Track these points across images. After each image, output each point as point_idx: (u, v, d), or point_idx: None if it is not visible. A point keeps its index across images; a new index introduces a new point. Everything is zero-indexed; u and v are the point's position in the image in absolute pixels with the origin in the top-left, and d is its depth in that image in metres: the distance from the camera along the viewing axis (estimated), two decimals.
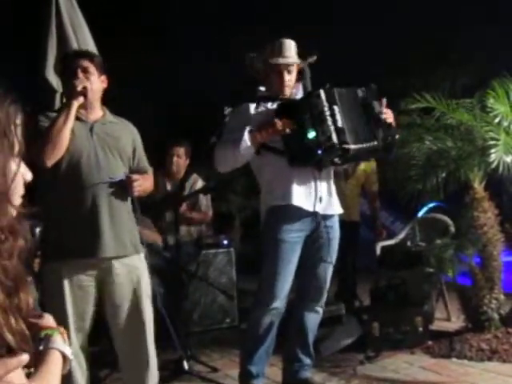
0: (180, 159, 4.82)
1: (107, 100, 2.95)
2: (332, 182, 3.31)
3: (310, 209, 3.17)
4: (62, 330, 1.14)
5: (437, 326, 4.60)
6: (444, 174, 4.12)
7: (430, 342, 4.11)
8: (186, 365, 3.68)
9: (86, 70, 2.76)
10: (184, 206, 4.72)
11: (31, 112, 2.62)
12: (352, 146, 3.06)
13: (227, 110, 3.34)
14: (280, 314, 3.25)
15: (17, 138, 1.01)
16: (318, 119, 3.03)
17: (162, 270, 4.07)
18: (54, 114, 2.74)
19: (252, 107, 3.21)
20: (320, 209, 3.21)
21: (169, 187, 4.82)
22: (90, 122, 2.80)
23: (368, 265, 5.40)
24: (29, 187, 1.07)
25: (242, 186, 8.48)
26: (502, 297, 4.15)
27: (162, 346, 3.19)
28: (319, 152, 3.02)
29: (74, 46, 3.55)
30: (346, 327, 4.37)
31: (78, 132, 2.73)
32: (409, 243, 5.24)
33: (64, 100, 3.04)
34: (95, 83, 2.78)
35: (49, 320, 1.14)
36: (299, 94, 3.35)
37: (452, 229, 5.03)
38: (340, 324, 4.48)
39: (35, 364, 1.04)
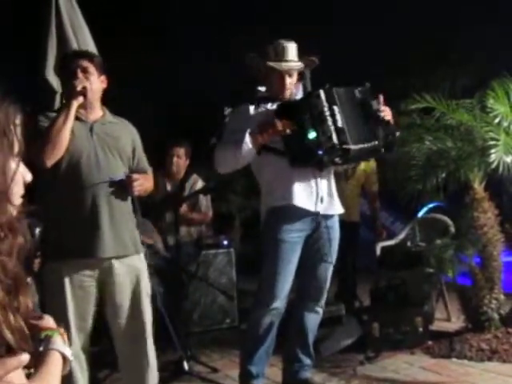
0: (180, 160, 4.82)
1: (107, 100, 2.95)
2: (333, 182, 3.31)
3: (312, 209, 3.17)
4: (61, 330, 1.14)
5: (437, 326, 4.60)
6: (444, 175, 4.11)
7: (430, 343, 4.11)
8: (186, 365, 3.68)
9: (85, 70, 2.76)
10: (184, 207, 4.72)
11: (31, 112, 2.63)
12: (352, 147, 3.06)
13: (227, 111, 3.34)
14: (280, 314, 3.25)
15: (16, 138, 1.01)
16: (318, 119, 3.03)
17: (162, 270, 4.07)
18: (54, 114, 2.74)
19: (252, 108, 3.21)
20: (321, 209, 3.21)
21: (169, 188, 4.82)
22: (89, 122, 2.80)
23: (368, 265, 5.40)
24: (29, 187, 1.07)
25: (241, 187, 8.47)
26: (501, 297, 4.15)
27: (162, 347, 3.20)
28: (320, 152, 3.02)
29: (74, 46, 3.55)
30: (345, 327, 4.36)
31: (77, 132, 2.73)
32: (409, 243, 5.24)
33: (64, 100, 3.04)
34: (95, 83, 2.78)
35: (49, 321, 1.14)
36: (299, 95, 3.35)
37: (452, 229, 5.03)
38: (340, 324, 4.48)
39: (35, 365, 1.04)
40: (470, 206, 4.19)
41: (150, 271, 2.96)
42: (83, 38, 3.62)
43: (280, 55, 3.21)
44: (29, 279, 2.73)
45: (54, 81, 3.48)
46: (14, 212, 1.01)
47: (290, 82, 3.25)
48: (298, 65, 3.25)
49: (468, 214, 4.20)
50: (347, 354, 4.04)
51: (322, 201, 3.20)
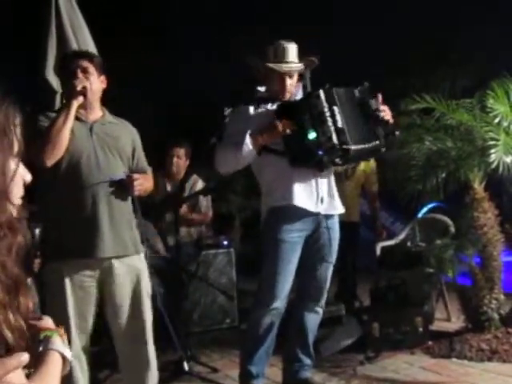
0: (180, 160, 4.82)
1: (107, 100, 2.95)
2: (333, 182, 3.31)
3: (312, 209, 3.17)
4: (61, 331, 1.14)
5: (437, 326, 4.60)
6: (444, 175, 4.12)
7: (430, 343, 4.11)
8: (186, 365, 3.67)
9: (85, 70, 2.76)
10: (184, 208, 4.72)
11: (31, 112, 2.63)
12: (352, 147, 3.06)
13: (227, 111, 3.34)
14: (280, 314, 3.25)
15: (16, 138, 1.01)
16: (317, 120, 3.03)
17: (162, 270, 4.07)
18: (54, 114, 2.74)
19: (251, 108, 3.21)
20: (322, 209, 3.21)
21: (169, 188, 4.82)
22: (89, 122, 2.81)
23: (368, 265, 5.40)
24: (28, 188, 1.07)
25: (242, 187, 8.47)
26: (501, 297, 4.15)
27: (162, 347, 3.19)
28: (320, 153, 3.03)
29: (74, 46, 3.55)
30: (346, 328, 4.36)
31: (77, 132, 2.73)
32: (409, 243, 5.24)
33: (64, 100, 3.04)
34: (95, 83, 2.78)
35: (48, 322, 1.14)
36: (299, 95, 3.34)
37: (452, 229, 5.03)
38: (340, 324, 4.48)
39: (34, 365, 1.04)
40: (469, 206, 4.19)
41: (150, 271, 2.95)
42: (83, 38, 3.62)
43: (280, 56, 3.20)
44: (29, 280, 2.73)
45: (53, 81, 3.48)
46: (14, 212, 1.01)
47: (291, 83, 3.25)
48: (299, 66, 3.25)
49: (468, 214, 4.20)
50: (347, 354, 4.04)
51: (322, 201, 3.20)
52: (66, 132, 2.65)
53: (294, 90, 3.29)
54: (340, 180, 4.43)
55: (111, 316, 2.82)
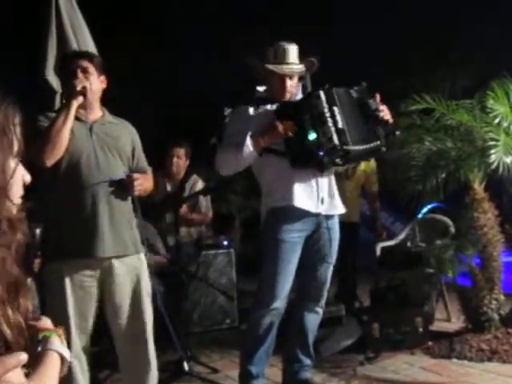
0: (180, 160, 4.81)
1: (107, 100, 2.94)
2: (333, 182, 3.30)
3: (313, 210, 3.17)
4: (60, 331, 1.14)
5: (437, 326, 4.60)
6: (444, 175, 4.12)
7: (430, 343, 4.11)
8: (186, 366, 3.67)
9: (85, 70, 2.76)
10: (184, 208, 4.71)
11: (31, 112, 2.63)
12: (353, 147, 3.05)
13: (227, 111, 3.34)
14: (280, 315, 3.25)
15: (16, 138, 1.01)
16: (318, 120, 3.03)
17: (162, 270, 4.07)
18: (54, 114, 2.74)
19: (251, 109, 3.20)
20: (322, 210, 3.21)
21: (169, 188, 4.82)
22: (89, 122, 2.80)
23: (368, 265, 5.40)
24: (28, 188, 1.07)
25: (242, 187, 8.47)
26: (501, 297, 4.15)
27: (162, 347, 3.19)
28: (320, 153, 3.02)
29: (74, 46, 3.55)
30: (345, 328, 4.36)
31: (77, 132, 2.73)
32: (409, 244, 5.24)
33: (64, 100, 3.04)
34: (94, 83, 2.78)
35: (46, 322, 1.14)
36: (299, 95, 3.34)
37: (452, 229, 5.03)
38: (340, 325, 4.48)
39: (33, 365, 1.03)
40: (469, 207, 4.19)
41: (150, 271, 2.95)
42: (83, 38, 3.62)
43: (280, 57, 3.19)
44: (29, 280, 2.74)
45: (53, 81, 3.48)
46: (14, 211, 1.01)
47: (291, 84, 3.24)
48: (299, 68, 3.24)
49: (468, 215, 4.20)
50: (347, 355, 4.04)
51: (322, 202, 3.20)
52: (66, 132, 2.65)
53: (294, 90, 3.29)
54: (340, 180, 4.43)
55: (111, 316, 2.81)
